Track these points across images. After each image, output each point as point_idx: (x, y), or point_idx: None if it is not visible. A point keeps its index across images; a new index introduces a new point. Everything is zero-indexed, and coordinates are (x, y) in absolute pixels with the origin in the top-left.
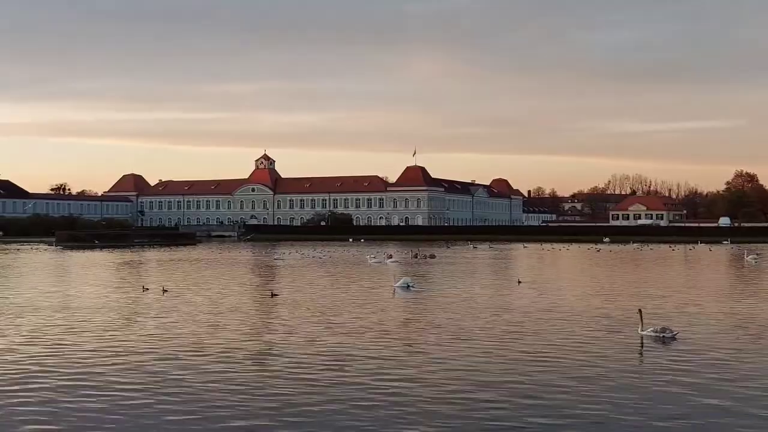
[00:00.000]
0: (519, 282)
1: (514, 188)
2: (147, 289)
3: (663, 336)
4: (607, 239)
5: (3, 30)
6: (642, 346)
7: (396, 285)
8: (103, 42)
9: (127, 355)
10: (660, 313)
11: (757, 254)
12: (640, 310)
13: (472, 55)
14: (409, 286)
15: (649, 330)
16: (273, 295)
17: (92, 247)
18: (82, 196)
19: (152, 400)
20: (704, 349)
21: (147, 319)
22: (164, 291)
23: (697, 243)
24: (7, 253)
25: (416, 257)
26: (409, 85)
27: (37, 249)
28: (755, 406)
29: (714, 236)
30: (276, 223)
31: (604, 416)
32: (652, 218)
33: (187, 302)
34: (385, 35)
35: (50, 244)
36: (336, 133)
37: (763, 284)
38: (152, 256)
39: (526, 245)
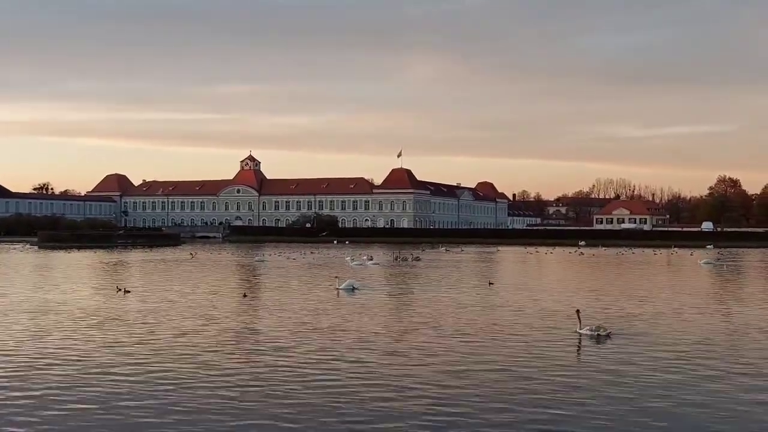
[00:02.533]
0: (490, 284)
1: (500, 191)
2: (123, 290)
3: (598, 334)
4: (582, 243)
5: None
6: (579, 344)
7: (340, 287)
8: (88, 42)
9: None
10: (607, 312)
11: (717, 259)
12: (578, 311)
13: (463, 59)
14: (354, 288)
15: (585, 329)
16: (244, 295)
17: (74, 248)
18: (65, 195)
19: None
20: (634, 346)
21: (100, 322)
22: (126, 292)
23: (671, 247)
24: None
25: (397, 259)
26: (398, 89)
27: (17, 249)
28: (659, 396)
29: (697, 240)
30: (261, 224)
31: (535, 409)
32: (635, 222)
33: (149, 303)
34: (378, 38)
35: (32, 244)
36: (323, 135)
37: (709, 287)
38: (134, 257)
39: (499, 248)
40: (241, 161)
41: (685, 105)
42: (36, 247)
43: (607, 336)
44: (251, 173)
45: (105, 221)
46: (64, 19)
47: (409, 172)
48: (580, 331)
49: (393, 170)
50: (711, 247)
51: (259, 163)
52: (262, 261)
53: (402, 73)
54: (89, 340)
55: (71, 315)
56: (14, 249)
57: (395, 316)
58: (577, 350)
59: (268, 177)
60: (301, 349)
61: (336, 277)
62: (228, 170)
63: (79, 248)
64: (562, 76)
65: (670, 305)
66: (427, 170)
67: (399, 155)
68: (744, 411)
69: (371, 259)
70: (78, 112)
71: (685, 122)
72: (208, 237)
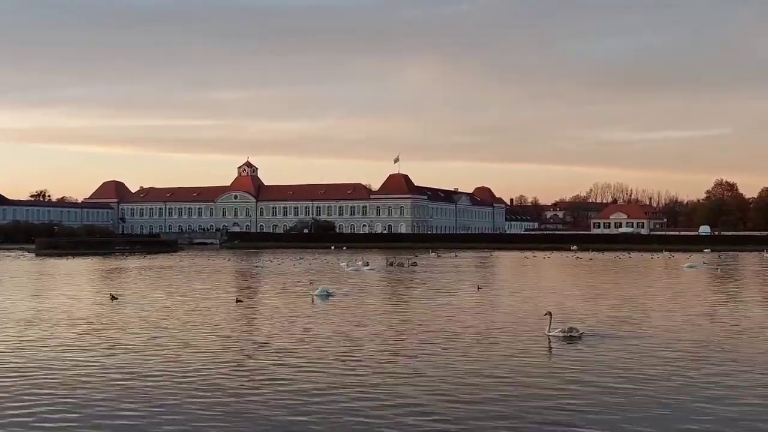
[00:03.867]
0: (479, 288)
1: (497, 196)
2: (111, 296)
3: (570, 335)
4: (574, 247)
5: None
6: (549, 345)
7: (314, 294)
8: (85, 48)
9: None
10: (587, 314)
11: (704, 262)
12: (549, 313)
13: (460, 62)
14: (328, 294)
15: (557, 331)
16: (238, 301)
17: (71, 255)
18: (62, 202)
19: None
20: (604, 348)
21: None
22: (113, 298)
23: (662, 251)
24: None
25: (392, 264)
26: (395, 94)
27: (14, 256)
28: (619, 393)
29: (694, 244)
30: (259, 230)
31: (501, 410)
32: (633, 226)
33: (136, 310)
34: (375, 42)
35: (30, 251)
36: (320, 141)
37: (687, 290)
38: (131, 263)
39: (492, 253)
40: (239, 167)
41: (681, 108)
42: (33, 255)
43: (579, 338)
44: (248, 179)
45: (102, 228)
46: (61, 26)
47: (406, 178)
48: (549, 334)
49: (390, 176)
50: (708, 250)
51: (257, 169)
52: (261, 267)
53: (399, 77)
54: (72, 346)
55: (58, 322)
56: (8, 256)
57: (365, 321)
58: (549, 352)
59: (265, 183)
60: (262, 356)
61: (311, 283)
62: (225, 176)
63: (76, 255)
64: (558, 79)
65: (649, 308)
66: (424, 175)
67: (396, 161)
68: (707, 408)
69: (367, 265)
70: (75, 118)
71: (682, 126)
72: (205, 243)
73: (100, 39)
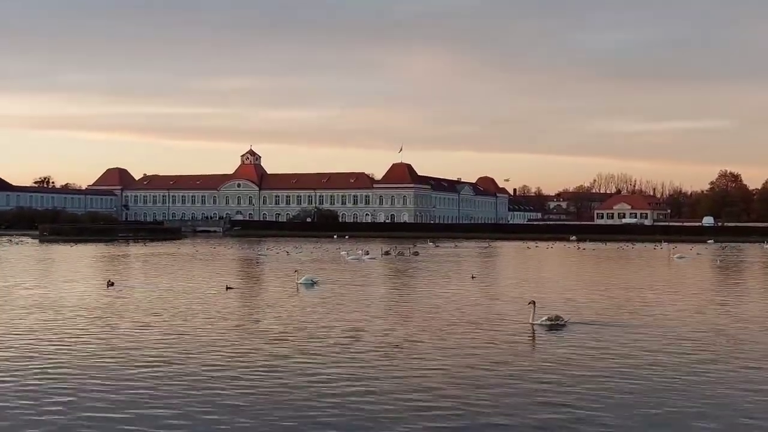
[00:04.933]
0: (473, 277)
1: (500, 186)
2: (107, 283)
3: (554, 324)
4: (573, 237)
5: None
6: (533, 334)
7: (299, 281)
8: (89, 35)
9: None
10: (573, 303)
11: (698, 254)
12: (533, 302)
13: (463, 54)
14: (313, 282)
15: (542, 319)
16: (228, 288)
17: (75, 242)
18: (66, 189)
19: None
20: (587, 336)
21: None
22: (110, 284)
23: (661, 242)
24: None
25: (388, 254)
26: (399, 84)
27: (18, 242)
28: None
29: (697, 235)
30: (262, 218)
31: (484, 398)
32: (636, 217)
33: (133, 296)
34: (378, 33)
35: (33, 237)
36: (324, 130)
37: (676, 280)
38: (134, 251)
39: (491, 243)
40: (242, 155)
41: (686, 100)
42: (37, 241)
43: (562, 326)
44: (252, 168)
45: (106, 215)
46: (65, 12)
47: (409, 167)
48: (533, 322)
49: (393, 165)
50: (711, 241)
51: (260, 157)
52: (264, 255)
53: (403, 67)
54: (55, 329)
55: (46, 307)
56: (12, 242)
57: (343, 309)
58: (531, 340)
59: (268, 171)
60: (240, 345)
61: (296, 271)
62: (228, 165)
63: (79, 242)
64: (562, 70)
65: (634, 298)
66: (427, 165)
67: (400, 150)
68: (680, 394)
69: (367, 254)
70: (79, 105)
71: (686, 117)
72: (209, 231)
73: (105, 26)
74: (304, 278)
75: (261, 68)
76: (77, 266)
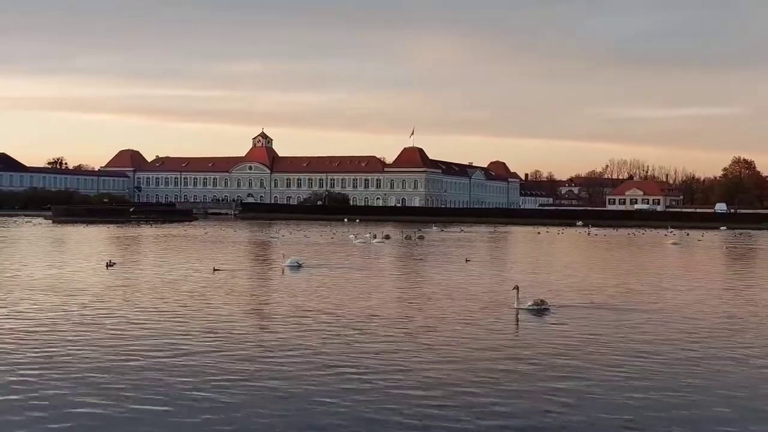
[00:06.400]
0: (467, 261)
1: (512, 171)
2: (107, 264)
3: (538, 308)
4: (579, 223)
5: (4, 5)
6: (517, 318)
7: (285, 264)
8: (102, 17)
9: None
10: (560, 287)
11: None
12: (516, 287)
13: (476, 38)
14: (299, 265)
15: (528, 304)
16: (215, 270)
17: (87, 222)
18: (78, 170)
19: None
20: (571, 320)
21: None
22: (108, 265)
23: (669, 228)
24: None
25: (375, 237)
26: (411, 68)
27: (30, 223)
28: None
29: (710, 222)
30: (273, 201)
31: (466, 381)
32: (649, 203)
33: (128, 277)
34: (390, 18)
35: (46, 218)
36: (336, 114)
37: (670, 266)
38: (145, 232)
39: (496, 228)
40: (253, 138)
41: (699, 86)
42: (50, 222)
43: (545, 311)
44: (263, 150)
45: (118, 196)
46: None
47: (421, 151)
48: (517, 307)
49: (405, 149)
50: (724, 228)
51: (271, 140)
52: (276, 238)
53: (415, 52)
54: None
55: (36, 287)
56: (26, 222)
57: (320, 292)
58: (516, 325)
59: (279, 154)
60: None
61: (282, 255)
62: (240, 147)
63: (92, 223)
64: (573, 57)
65: (626, 281)
66: (439, 149)
67: (411, 134)
68: (660, 382)
69: (375, 237)
70: (91, 87)
71: (700, 103)
72: (220, 213)
73: (116, 8)
74: (289, 261)
75: (276, 52)
76: (81, 247)
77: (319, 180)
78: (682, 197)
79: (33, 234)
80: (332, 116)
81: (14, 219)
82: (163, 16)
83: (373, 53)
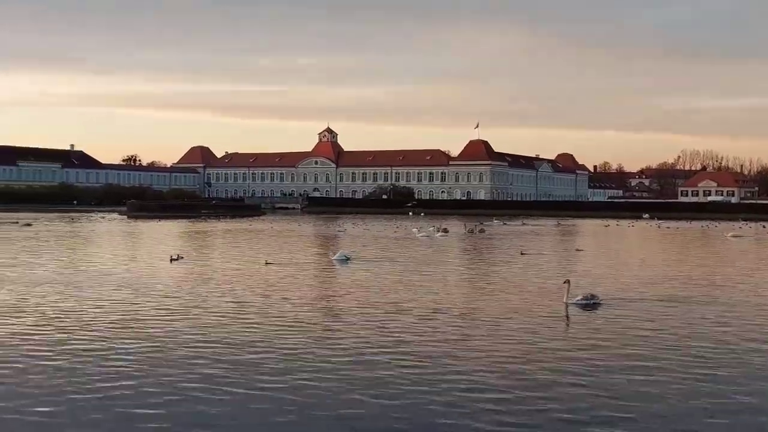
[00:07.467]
0: (522, 254)
1: (580, 163)
2: (171, 258)
3: (589, 302)
4: (646, 215)
5: (79, 3)
6: (566, 313)
7: (333, 258)
8: (172, 15)
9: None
10: (609, 281)
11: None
12: (567, 281)
13: (536, 31)
14: (347, 258)
15: (577, 298)
16: (267, 263)
17: (160, 217)
18: (152, 167)
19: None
20: (623, 315)
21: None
22: (173, 259)
23: (740, 219)
24: (73, 222)
25: (441, 231)
26: (474, 61)
27: (105, 218)
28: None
29: None
30: (338, 195)
31: (518, 374)
32: (722, 195)
33: (191, 270)
34: (454, 10)
35: (121, 213)
36: (399, 108)
37: (722, 261)
38: (215, 227)
39: (560, 221)
40: (319, 133)
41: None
42: (125, 217)
43: (597, 305)
44: (329, 145)
45: (189, 192)
46: None
47: (486, 144)
48: (567, 302)
49: (470, 142)
50: None
51: (337, 135)
52: (342, 231)
53: (478, 44)
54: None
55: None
56: (103, 218)
57: (365, 285)
58: (566, 319)
59: (345, 149)
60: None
61: (331, 247)
62: (306, 142)
63: (164, 218)
64: (638, 47)
65: (678, 276)
66: (505, 142)
67: (476, 127)
68: (696, 382)
69: (438, 231)
70: (163, 84)
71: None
72: (287, 208)
73: (181, 3)
74: (338, 254)
75: (339, 46)
76: (150, 242)
77: (384, 174)
78: (757, 188)
79: (108, 230)
80: (397, 110)
81: (90, 215)
82: (229, 13)
83: (438, 46)
